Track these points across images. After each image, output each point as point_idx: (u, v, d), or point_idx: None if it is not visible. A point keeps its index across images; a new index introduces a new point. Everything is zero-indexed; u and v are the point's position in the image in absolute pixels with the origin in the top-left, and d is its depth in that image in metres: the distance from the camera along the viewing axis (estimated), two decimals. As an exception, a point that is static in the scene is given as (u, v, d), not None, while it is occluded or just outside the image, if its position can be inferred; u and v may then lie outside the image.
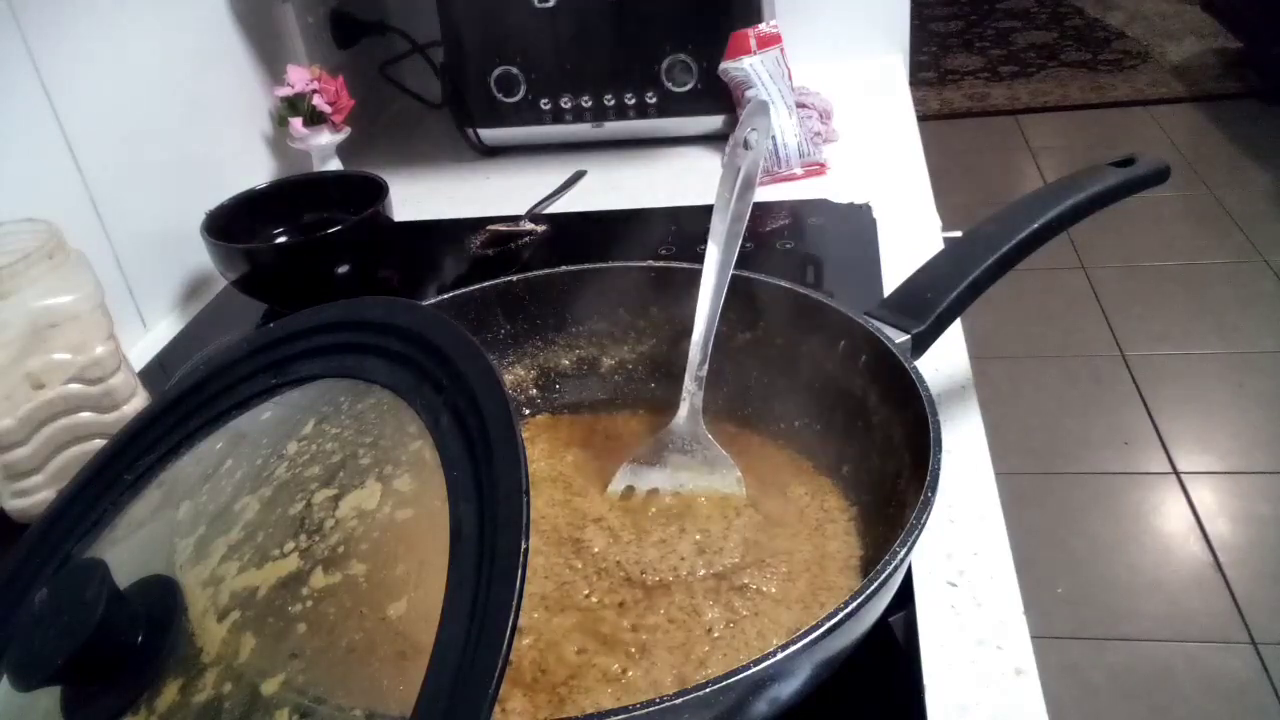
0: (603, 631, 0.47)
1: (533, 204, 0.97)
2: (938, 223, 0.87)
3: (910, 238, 0.84)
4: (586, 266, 0.64)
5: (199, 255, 0.83)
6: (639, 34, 1.01)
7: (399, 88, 1.24)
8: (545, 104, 1.05)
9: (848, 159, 1.01)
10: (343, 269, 0.83)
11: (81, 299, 0.60)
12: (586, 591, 0.50)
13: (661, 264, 0.63)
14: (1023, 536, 0.78)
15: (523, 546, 0.29)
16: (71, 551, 0.40)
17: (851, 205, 0.91)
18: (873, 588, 0.39)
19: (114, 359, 0.62)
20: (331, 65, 1.08)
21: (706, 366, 0.58)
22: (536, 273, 0.64)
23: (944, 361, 0.67)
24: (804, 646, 0.36)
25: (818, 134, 1.01)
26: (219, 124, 0.96)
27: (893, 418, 0.52)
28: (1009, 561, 0.52)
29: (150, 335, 0.84)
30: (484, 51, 1.04)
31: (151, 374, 0.77)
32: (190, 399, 0.43)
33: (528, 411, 0.65)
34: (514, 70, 1.04)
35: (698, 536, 0.53)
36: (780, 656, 0.36)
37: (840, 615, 0.37)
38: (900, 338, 0.54)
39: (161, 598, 0.35)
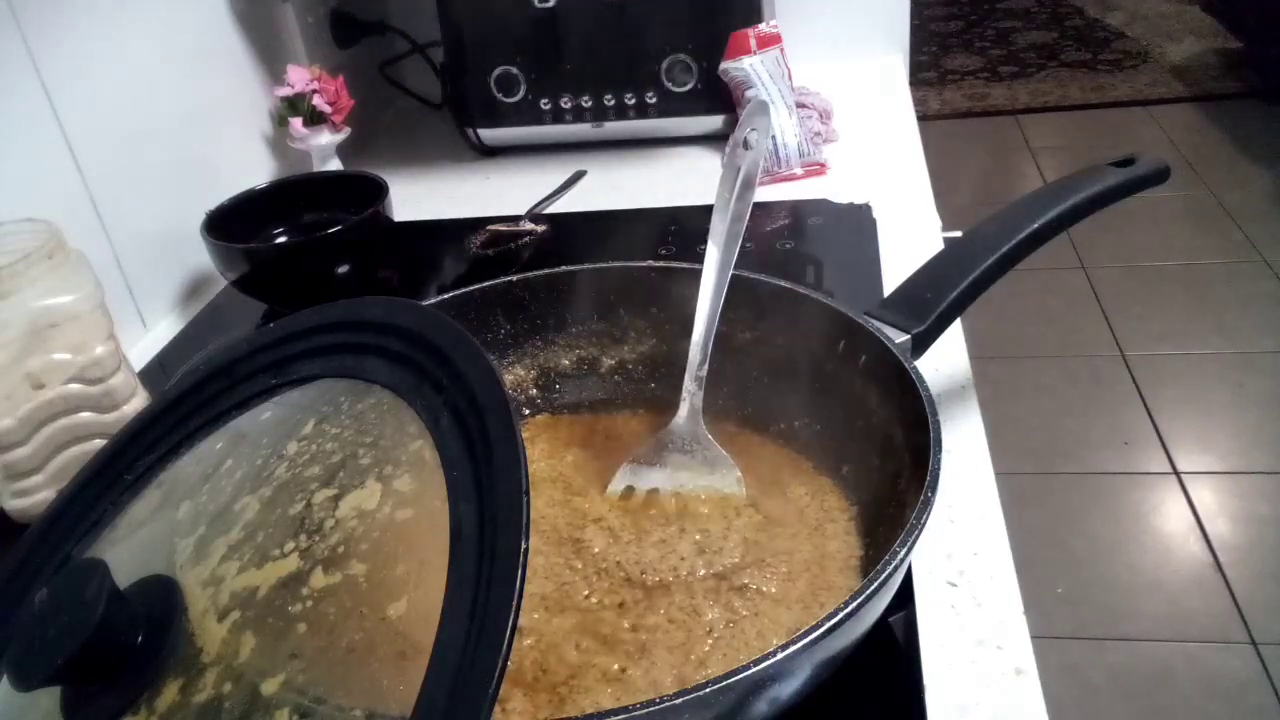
0: (603, 631, 0.47)
1: (533, 204, 0.97)
2: (938, 223, 0.87)
3: (910, 238, 0.84)
4: (586, 266, 0.64)
5: (199, 255, 0.83)
6: (639, 34, 1.01)
7: (399, 88, 1.24)
8: (545, 104, 1.05)
9: (848, 159, 1.01)
10: (343, 269, 0.83)
11: (81, 299, 0.60)
12: (586, 592, 0.50)
13: (661, 264, 0.63)
14: (1023, 536, 0.78)
15: (523, 546, 0.29)
16: (71, 551, 0.40)
17: (851, 205, 0.91)
18: (873, 588, 0.39)
19: (114, 359, 0.62)
20: (331, 65, 1.08)
21: (706, 366, 0.58)
22: (536, 273, 0.64)
23: (944, 361, 0.67)
24: (804, 646, 0.36)
25: (818, 134, 1.01)
26: (219, 124, 0.96)
27: (893, 418, 0.52)
28: (1009, 561, 0.52)
29: (150, 335, 0.84)
30: (484, 51, 1.04)
31: (151, 374, 0.77)
32: (190, 399, 0.43)
33: (528, 411, 0.65)
34: (514, 70, 1.04)
35: (698, 536, 0.53)
36: (780, 656, 0.36)
37: (840, 615, 0.37)
38: (900, 338, 0.54)
39: (161, 598, 0.35)
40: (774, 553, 0.52)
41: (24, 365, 0.58)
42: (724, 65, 0.99)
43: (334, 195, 0.89)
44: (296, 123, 0.99)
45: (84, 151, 0.77)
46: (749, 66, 0.98)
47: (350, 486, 0.36)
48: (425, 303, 0.61)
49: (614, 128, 1.07)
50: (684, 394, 0.58)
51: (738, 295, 0.58)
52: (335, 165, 1.03)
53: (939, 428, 0.46)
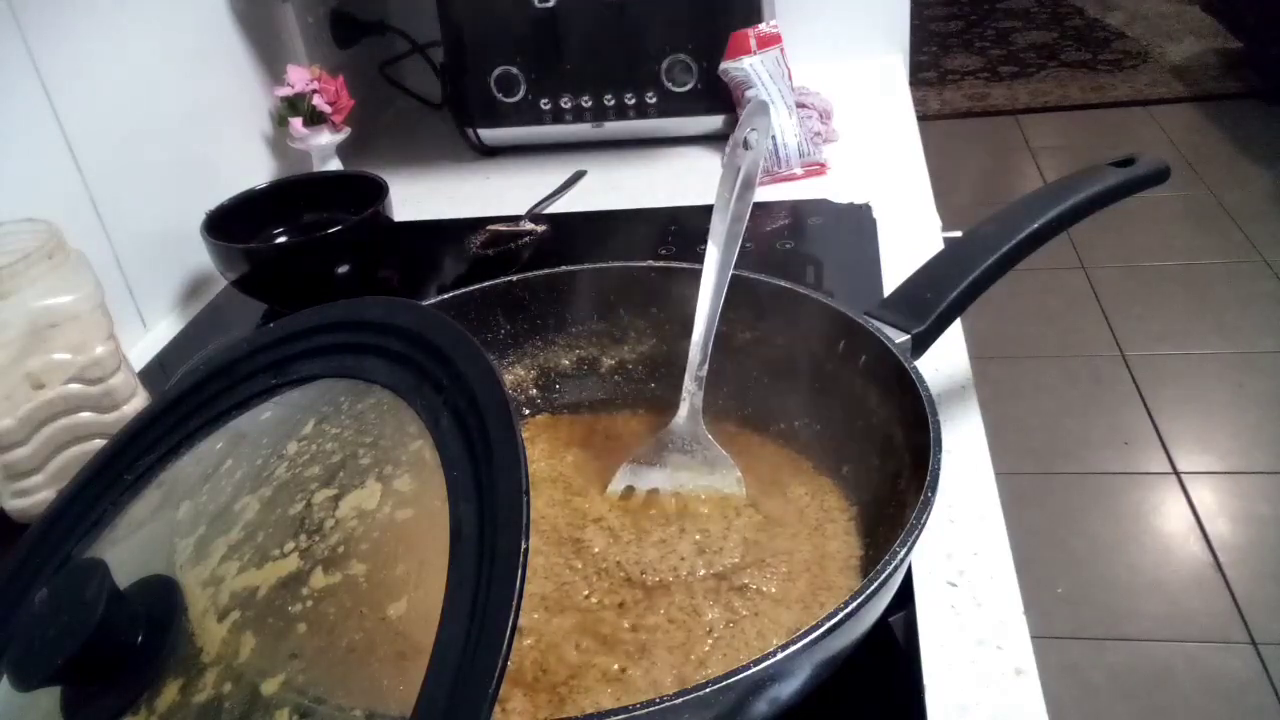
0: (603, 631, 0.47)
1: (533, 204, 0.97)
2: (938, 223, 0.87)
3: (910, 238, 0.84)
4: (586, 266, 0.64)
5: (199, 255, 0.83)
6: (639, 34, 1.01)
7: (399, 88, 1.24)
8: (545, 104, 1.05)
9: (848, 159, 1.01)
10: (343, 269, 0.83)
11: (81, 299, 0.60)
12: (586, 592, 0.50)
13: (661, 264, 0.63)
14: (1023, 536, 0.78)
15: (523, 546, 0.29)
16: (71, 551, 0.40)
17: (851, 205, 0.91)
18: (873, 588, 0.39)
19: (114, 359, 0.62)
20: (331, 65, 1.08)
21: (706, 366, 0.58)
22: (536, 273, 0.64)
23: (944, 361, 0.67)
24: (804, 646, 0.36)
25: (818, 134, 1.01)
26: (219, 124, 0.96)
27: (893, 418, 0.52)
28: (1009, 561, 0.52)
29: (150, 335, 0.84)
30: (484, 51, 1.04)
31: (151, 374, 0.77)
32: (190, 399, 0.43)
33: (528, 411, 0.65)
34: (514, 70, 1.04)
35: (698, 536, 0.53)
36: (780, 656, 0.36)
37: (840, 615, 0.37)
38: (900, 338, 0.54)
39: (161, 598, 0.35)
40: (774, 553, 0.52)
41: (24, 365, 0.58)
42: (724, 65, 0.99)
43: (334, 195, 0.89)
44: (296, 123, 0.99)
45: (84, 151, 0.77)
46: (749, 66, 0.98)
47: (350, 486, 0.35)
48: (425, 303, 0.61)
49: (614, 128, 1.07)
50: (684, 394, 0.58)
51: (738, 295, 0.58)
52: (335, 165, 1.03)
53: (939, 428, 0.46)
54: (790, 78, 1.01)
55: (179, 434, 0.42)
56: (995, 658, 0.47)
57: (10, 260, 0.57)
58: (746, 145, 0.57)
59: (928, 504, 0.42)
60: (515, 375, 0.66)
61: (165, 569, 0.36)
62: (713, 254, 0.57)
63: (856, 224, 0.88)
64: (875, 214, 0.88)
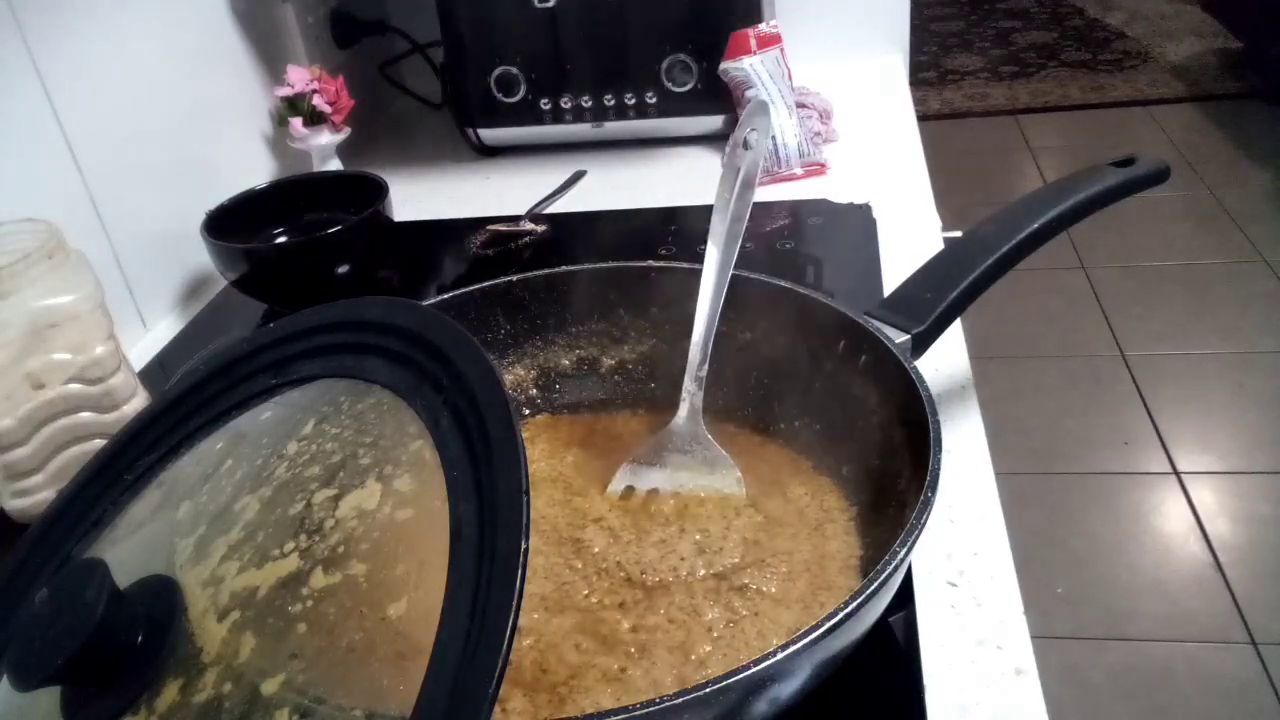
0: (603, 632, 0.47)
1: (533, 204, 0.97)
2: (938, 223, 0.87)
3: (910, 238, 0.84)
4: (586, 266, 0.64)
5: (199, 255, 0.83)
6: (639, 34, 1.01)
7: (399, 88, 1.24)
8: (545, 104, 1.05)
9: (848, 159, 1.01)
10: (343, 269, 0.83)
11: (81, 299, 0.60)
12: (586, 592, 0.50)
13: (661, 264, 0.63)
14: (1023, 536, 0.78)
15: (523, 546, 0.29)
16: (71, 551, 0.40)
17: (851, 205, 0.91)
18: (873, 588, 0.39)
19: (114, 359, 0.62)
20: (331, 65, 1.08)
21: (706, 366, 0.58)
22: (536, 273, 0.64)
23: (944, 361, 0.67)
24: (804, 646, 0.36)
25: (818, 134, 1.01)
26: (219, 124, 0.96)
27: (893, 418, 0.52)
28: (1009, 561, 0.52)
29: (150, 335, 0.84)
30: (484, 51, 1.04)
31: (151, 374, 0.77)
32: (190, 399, 0.43)
33: (528, 411, 0.65)
34: (514, 70, 1.04)
35: (698, 536, 0.53)
36: (780, 656, 0.36)
37: (840, 615, 0.37)
38: (900, 338, 0.54)
39: (161, 598, 0.35)
40: (774, 553, 0.52)
41: (24, 365, 0.58)
42: (724, 65, 0.99)
43: (334, 195, 0.89)
44: (296, 123, 0.99)
45: (84, 151, 0.77)
46: (749, 66, 0.98)
47: (350, 486, 0.35)
48: (425, 303, 0.61)
49: (614, 128, 1.07)
50: (684, 394, 0.58)
51: (738, 295, 0.58)
52: (335, 165, 1.03)
53: (939, 428, 0.46)
54: (790, 78, 1.01)
55: (179, 434, 0.42)
56: (995, 658, 0.47)
57: (10, 260, 0.57)
58: (746, 145, 0.57)
59: (928, 504, 0.42)
60: (515, 375, 0.66)
61: (165, 569, 0.36)
62: (713, 254, 0.57)
63: (856, 224, 0.88)
64: (875, 214, 0.88)
